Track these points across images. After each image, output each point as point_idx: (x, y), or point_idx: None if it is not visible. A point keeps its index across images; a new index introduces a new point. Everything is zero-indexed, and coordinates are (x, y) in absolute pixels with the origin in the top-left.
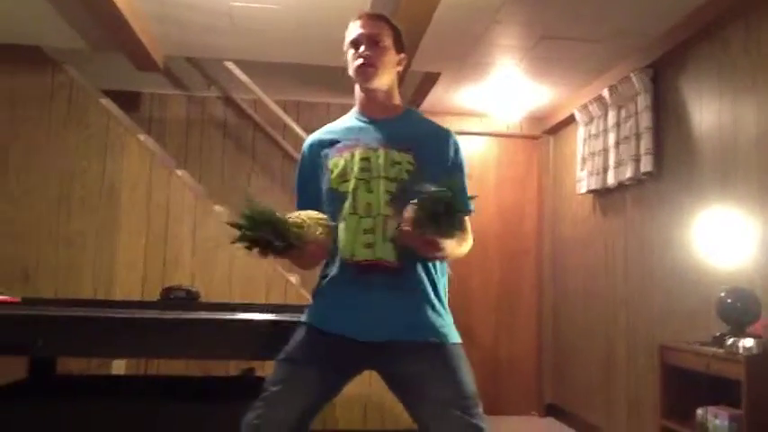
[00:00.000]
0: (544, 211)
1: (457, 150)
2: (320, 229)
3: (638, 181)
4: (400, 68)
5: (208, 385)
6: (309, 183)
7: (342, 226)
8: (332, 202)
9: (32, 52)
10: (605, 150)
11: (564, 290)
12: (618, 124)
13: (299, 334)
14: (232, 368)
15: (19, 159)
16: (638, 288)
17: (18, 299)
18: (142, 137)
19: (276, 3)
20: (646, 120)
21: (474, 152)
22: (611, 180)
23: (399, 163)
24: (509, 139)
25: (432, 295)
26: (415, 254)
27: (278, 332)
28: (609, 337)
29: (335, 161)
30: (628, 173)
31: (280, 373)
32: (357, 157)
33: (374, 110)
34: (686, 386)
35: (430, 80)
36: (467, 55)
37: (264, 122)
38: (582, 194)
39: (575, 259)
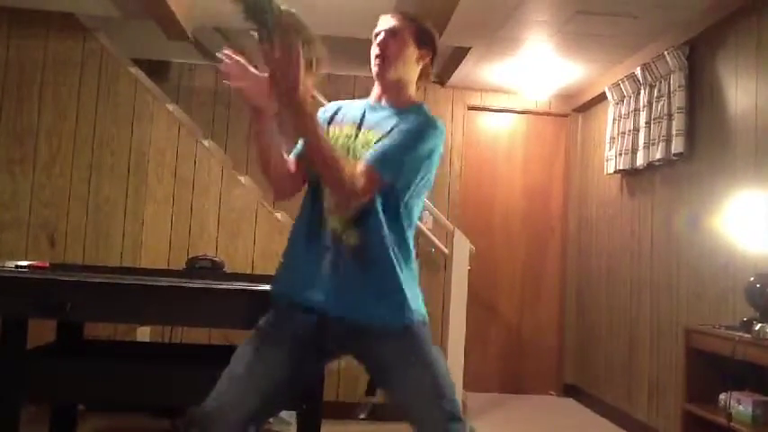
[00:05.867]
0: (570, 191)
1: (415, 119)
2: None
3: (669, 162)
4: (423, 63)
5: (230, 354)
6: None
7: (310, 194)
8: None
9: (66, 19)
10: (636, 130)
11: (588, 270)
12: (650, 103)
13: (272, 307)
14: None
15: (49, 125)
16: (664, 270)
17: (47, 264)
18: (171, 106)
19: None
20: (679, 99)
21: (501, 129)
22: (640, 161)
23: (369, 143)
24: (537, 116)
25: (395, 275)
26: (372, 234)
27: None
28: (632, 319)
29: (332, 131)
30: (658, 153)
31: (249, 345)
32: (344, 132)
33: (384, 100)
34: (711, 370)
35: (459, 55)
36: (498, 30)
37: None
38: (609, 174)
39: (600, 239)
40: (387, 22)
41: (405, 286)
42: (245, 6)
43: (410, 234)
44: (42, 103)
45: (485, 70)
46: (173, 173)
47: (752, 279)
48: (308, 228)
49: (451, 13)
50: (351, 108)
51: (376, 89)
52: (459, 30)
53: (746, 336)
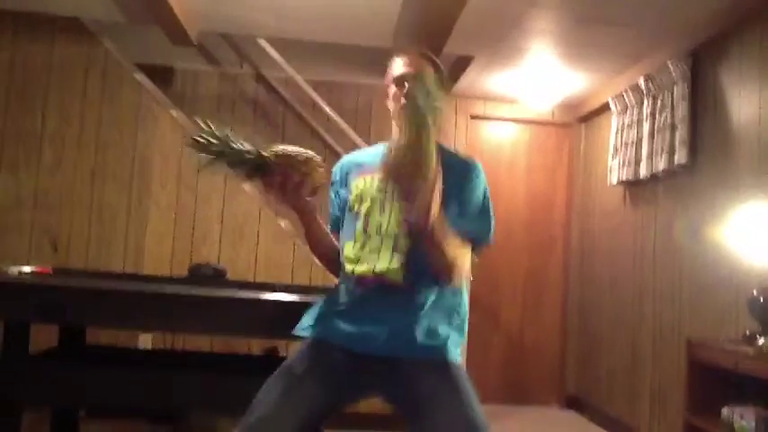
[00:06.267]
0: (573, 200)
1: (477, 175)
2: (302, 167)
3: (672, 173)
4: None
5: (231, 362)
6: (338, 201)
7: (350, 243)
8: (350, 222)
9: (71, 23)
10: (639, 140)
11: (591, 280)
12: (653, 114)
13: (302, 346)
14: (255, 347)
15: (53, 129)
16: (667, 281)
17: (49, 269)
18: (174, 112)
19: None
20: (682, 110)
21: (505, 139)
22: (643, 171)
23: None
24: (540, 125)
25: (439, 315)
26: (423, 274)
27: (302, 313)
28: (635, 330)
29: (357, 183)
30: (661, 164)
31: (277, 385)
32: (376, 180)
33: None
34: (713, 383)
35: (462, 64)
36: (501, 39)
37: (295, 101)
38: (613, 185)
39: (603, 249)
40: (410, 67)
41: (451, 324)
42: (228, 162)
43: (464, 286)
44: (47, 108)
45: (488, 79)
46: (176, 179)
47: (755, 292)
48: (349, 267)
49: (455, 23)
50: (369, 156)
51: (396, 132)
52: (462, 39)
53: (749, 349)
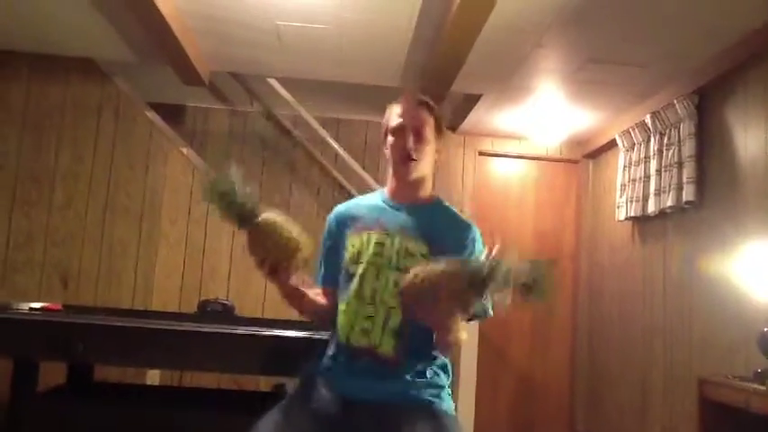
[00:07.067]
0: (582, 236)
1: (475, 243)
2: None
3: (680, 209)
4: (438, 156)
5: (240, 399)
6: (330, 254)
7: (343, 307)
8: (344, 281)
9: (85, 64)
10: (646, 177)
11: (600, 316)
12: (660, 151)
13: (298, 382)
14: (263, 384)
15: (66, 167)
16: (676, 318)
17: (59, 306)
18: (185, 149)
19: (325, 22)
20: (689, 148)
21: (512, 175)
22: (651, 208)
23: (413, 255)
24: (548, 162)
25: (429, 373)
26: (413, 349)
27: (311, 350)
28: (645, 367)
29: (352, 240)
30: (669, 201)
31: (272, 420)
32: (372, 240)
33: (402, 196)
34: (725, 421)
35: (470, 101)
36: (509, 78)
37: (304, 138)
38: (621, 221)
39: (612, 285)
40: (408, 117)
41: (443, 381)
42: (226, 212)
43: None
44: (60, 146)
45: (496, 117)
46: (186, 215)
47: (765, 329)
48: (342, 335)
49: (463, 62)
50: (364, 209)
51: (392, 184)
52: (470, 78)
53: (760, 387)
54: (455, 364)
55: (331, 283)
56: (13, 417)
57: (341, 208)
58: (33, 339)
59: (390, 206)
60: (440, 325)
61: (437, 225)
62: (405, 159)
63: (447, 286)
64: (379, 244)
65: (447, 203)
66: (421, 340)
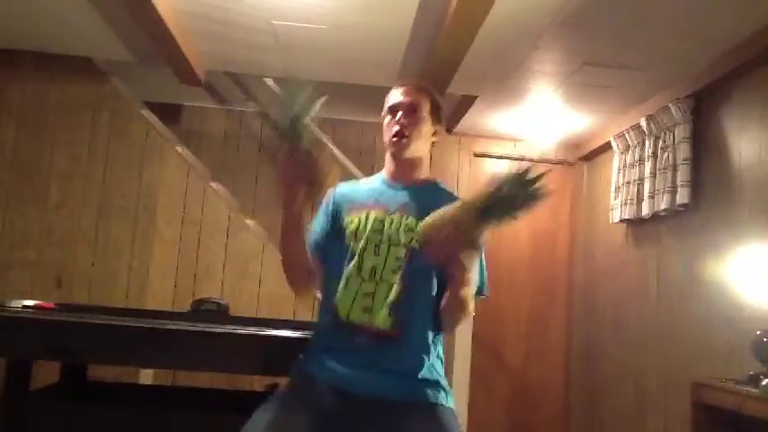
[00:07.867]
0: (577, 239)
1: None
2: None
3: (674, 212)
4: (435, 140)
5: (232, 398)
6: (324, 221)
7: (342, 284)
8: (340, 258)
9: (81, 63)
10: (641, 180)
11: (595, 319)
12: (655, 154)
13: (289, 379)
14: (256, 383)
15: (61, 167)
16: (670, 321)
17: (53, 305)
18: (180, 149)
19: (321, 22)
20: (684, 151)
21: None
22: (645, 210)
23: (412, 230)
24: (543, 164)
25: (426, 361)
26: (411, 324)
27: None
28: (640, 370)
29: (351, 218)
30: (663, 204)
31: (264, 417)
32: (371, 218)
33: (400, 177)
34: (719, 426)
35: (466, 103)
36: (505, 79)
37: None
38: (615, 223)
39: (607, 288)
40: (405, 96)
41: (440, 373)
42: (282, 130)
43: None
44: (56, 146)
45: (491, 118)
46: (181, 215)
47: (758, 333)
48: (341, 312)
49: (460, 63)
50: (363, 190)
51: (390, 165)
52: (465, 79)
53: (754, 390)
54: (448, 371)
55: (315, 248)
56: (6, 416)
57: (341, 186)
58: (26, 338)
59: (388, 186)
60: (455, 262)
61: (435, 204)
62: (397, 136)
63: (459, 218)
64: (378, 221)
65: (443, 185)
66: (420, 316)
